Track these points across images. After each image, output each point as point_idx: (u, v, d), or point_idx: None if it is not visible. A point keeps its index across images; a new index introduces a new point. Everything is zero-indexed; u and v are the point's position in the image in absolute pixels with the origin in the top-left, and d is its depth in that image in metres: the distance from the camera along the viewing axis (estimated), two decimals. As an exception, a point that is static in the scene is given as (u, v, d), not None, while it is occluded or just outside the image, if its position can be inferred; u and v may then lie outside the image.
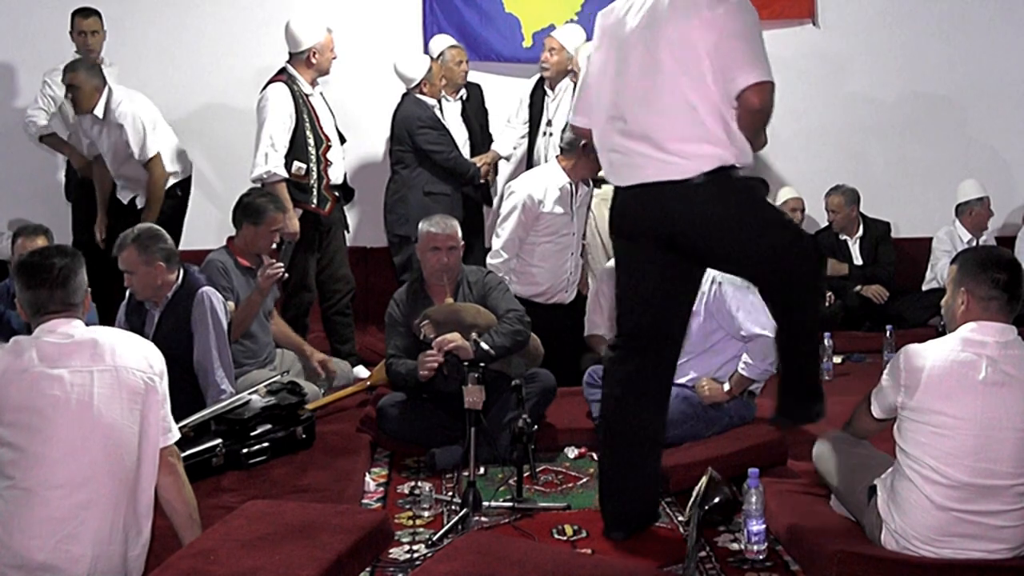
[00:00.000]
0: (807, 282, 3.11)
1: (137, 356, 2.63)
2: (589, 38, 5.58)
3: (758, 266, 3.08)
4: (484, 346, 3.86)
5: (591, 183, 4.96)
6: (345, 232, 5.42)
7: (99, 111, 5.14)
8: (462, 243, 4.30)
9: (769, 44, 6.87)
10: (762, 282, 3.16)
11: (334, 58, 5.12)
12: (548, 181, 4.74)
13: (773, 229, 3.08)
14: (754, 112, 2.89)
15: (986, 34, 5.95)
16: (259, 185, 4.84)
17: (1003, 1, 6.31)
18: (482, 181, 5.71)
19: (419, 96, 5.41)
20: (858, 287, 5.96)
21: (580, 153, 4.65)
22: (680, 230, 2.98)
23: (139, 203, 5.35)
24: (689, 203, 2.93)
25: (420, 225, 4.25)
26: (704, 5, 2.87)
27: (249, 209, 4.44)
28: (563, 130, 5.04)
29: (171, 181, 5.33)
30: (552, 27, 6.02)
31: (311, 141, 4.99)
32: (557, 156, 4.86)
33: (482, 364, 3.54)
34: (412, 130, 5.31)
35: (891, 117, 6.57)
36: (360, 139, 6.19)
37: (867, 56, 5.70)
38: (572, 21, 6.03)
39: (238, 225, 4.46)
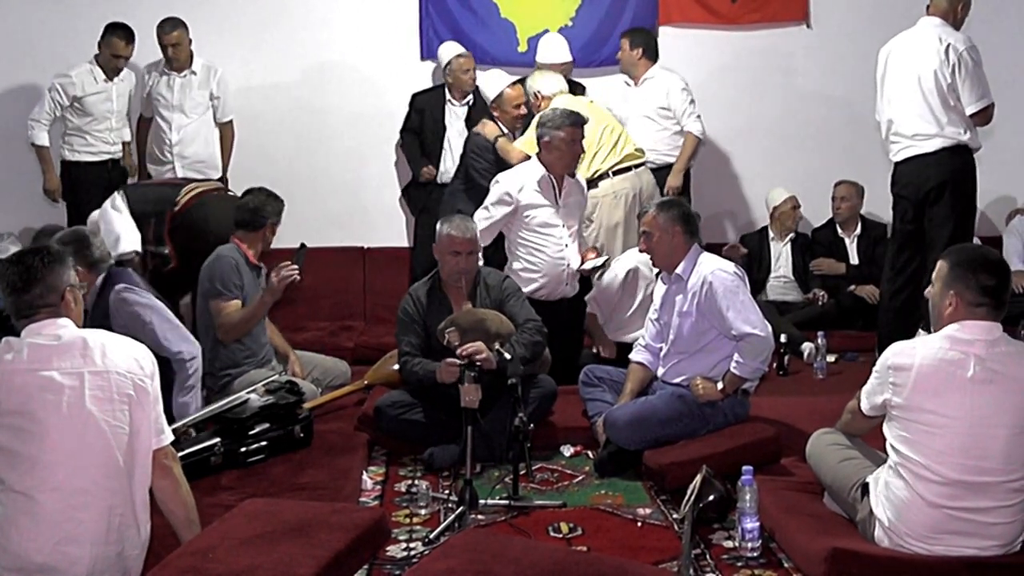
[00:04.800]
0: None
1: (127, 357, 2.62)
2: (571, 57, 5.68)
3: (948, 221, 4.73)
4: (507, 356, 3.87)
5: (574, 178, 4.99)
6: None
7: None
8: (480, 246, 4.34)
9: (764, 45, 6.89)
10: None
11: None
12: (526, 174, 4.79)
13: (970, 200, 4.83)
14: (980, 124, 4.79)
15: (974, 35, 5.98)
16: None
17: (992, 3, 6.35)
18: None
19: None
20: (852, 287, 5.97)
21: (545, 150, 4.73)
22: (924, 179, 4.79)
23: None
24: (931, 165, 4.76)
25: (439, 227, 4.24)
26: (949, 50, 4.63)
27: (268, 208, 4.45)
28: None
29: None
30: (547, 31, 6.07)
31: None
32: (537, 153, 4.91)
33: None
34: None
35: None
36: (358, 140, 6.24)
37: (859, 57, 5.73)
38: (566, 26, 6.07)
39: (258, 225, 4.45)
